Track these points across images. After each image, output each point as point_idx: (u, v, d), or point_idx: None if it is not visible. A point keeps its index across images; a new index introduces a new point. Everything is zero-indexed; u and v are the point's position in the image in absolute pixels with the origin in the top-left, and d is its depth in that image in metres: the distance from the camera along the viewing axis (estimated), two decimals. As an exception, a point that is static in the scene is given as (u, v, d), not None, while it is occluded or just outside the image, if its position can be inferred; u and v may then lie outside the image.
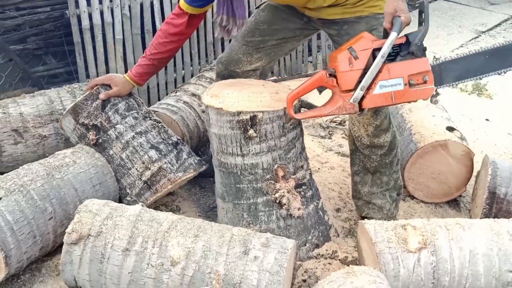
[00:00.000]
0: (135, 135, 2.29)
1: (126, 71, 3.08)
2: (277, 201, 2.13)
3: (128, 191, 2.26)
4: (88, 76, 2.99)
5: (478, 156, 2.79)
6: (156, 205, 2.46)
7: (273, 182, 2.12)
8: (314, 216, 2.25)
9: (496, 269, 1.90)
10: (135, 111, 2.37)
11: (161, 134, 2.36)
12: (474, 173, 2.64)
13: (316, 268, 2.14)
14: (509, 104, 3.83)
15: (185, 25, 2.25)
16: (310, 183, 2.26)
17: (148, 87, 3.26)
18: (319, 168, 2.85)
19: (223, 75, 2.45)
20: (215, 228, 1.85)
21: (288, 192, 2.15)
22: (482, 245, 1.93)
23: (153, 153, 2.28)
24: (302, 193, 2.20)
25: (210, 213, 2.50)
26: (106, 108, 2.29)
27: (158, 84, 3.31)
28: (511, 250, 1.92)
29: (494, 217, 2.30)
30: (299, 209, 2.17)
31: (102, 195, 2.18)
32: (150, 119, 2.39)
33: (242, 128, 2.03)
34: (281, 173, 2.14)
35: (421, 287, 1.91)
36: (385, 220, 2.22)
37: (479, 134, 3.43)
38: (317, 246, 2.24)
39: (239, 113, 2.01)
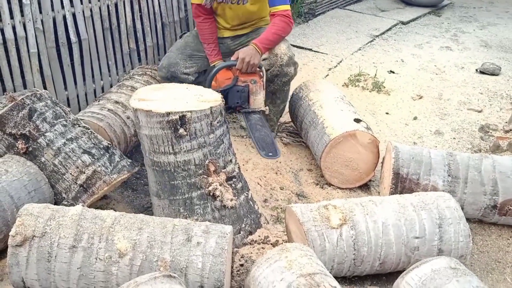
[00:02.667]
0: (66, 142, 2.33)
1: (44, 84, 3.10)
2: (211, 194, 2.28)
3: (64, 195, 2.30)
4: (4, 90, 2.93)
5: (382, 145, 3.14)
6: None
7: (205, 176, 2.27)
8: (246, 205, 2.43)
9: (404, 236, 2.19)
10: (63, 119, 2.42)
11: (92, 140, 2.42)
12: (380, 159, 2.97)
13: (251, 253, 2.31)
14: (404, 99, 4.28)
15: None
16: (239, 176, 2.44)
17: (68, 98, 3.26)
18: (243, 165, 3.04)
19: (167, 77, 3.18)
20: (157, 221, 1.97)
21: (220, 185, 2.31)
22: (392, 217, 2.22)
23: (86, 158, 2.34)
24: (233, 185, 2.37)
25: (145, 213, 2.58)
26: (34, 117, 2.31)
27: (78, 96, 3.32)
28: (415, 219, 2.22)
29: (400, 194, 2.62)
30: (231, 200, 2.34)
31: (38, 201, 2.21)
32: (79, 126, 2.45)
33: (173, 128, 2.16)
34: (212, 168, 2.30)
35: (344, 258, 2.16)
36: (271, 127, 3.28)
37: (381, 126, 3.81)
38: (250, 233, 2.42)
39: (168, 113, 2.13)
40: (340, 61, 5.06)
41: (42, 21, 3.01)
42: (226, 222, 2.32)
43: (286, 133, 3.46)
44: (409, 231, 2.20)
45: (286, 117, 3.66)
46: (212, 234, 1.93)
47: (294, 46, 5.37)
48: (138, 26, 3.57)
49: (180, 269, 1.83)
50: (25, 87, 2.98)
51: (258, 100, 2.96)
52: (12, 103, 2.29)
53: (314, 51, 5.28)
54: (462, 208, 2.62)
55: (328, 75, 4.72)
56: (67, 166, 2.30)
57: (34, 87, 3.00)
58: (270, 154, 2.76)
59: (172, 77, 3.16)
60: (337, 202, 2.28)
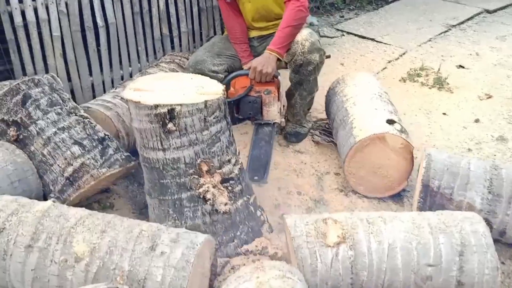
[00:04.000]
0: (57, 131, 2.24)
1: (67, 69, 3.05)
2: (201, 196, 2.09)
3: (51, 187, 2.21)
4: (25, 74, 2.92)
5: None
6: (88, 202, 2.42)
7: (196, 177, 2.08)
8: (244, 211, 2.20)
9: (414, 263, 1.85)
10: (59, 106, 2.32)
11: (86, 130, 2.31)
12: (416, 167, 2.60)
13: (244, 264, 2.09)
14: (468, 98, 3.79)
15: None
16: (239, 178, 2.22)
17: (92, 85, 3.20)
18: (262, 164, 2.81)
19: None
20: (125, 224, 1.81)
21: (213, 187, 2.11)
22: (402, 238, 1.88)
23: (76, 149, 2.23)
24: (230, 188, 2.16)
25: (145, 211, 2.45)
26: (27, 104, 2.24)
27: (103, 82, 3.25)
28: (430, 243, 1.87)
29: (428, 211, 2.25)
30: (225, 204, 2.12)
31: (22, 192, 2.13)
32: (76, 115, 2.34)
33: (161, 122, 1.98)
34: (205, 168, 2.09)
35: (340, 282, 1.87)
36: (296, 123, 3.05)
37: (434, 128, 3.39)
38: (246, 242, 2.20)
39: (156, 106, 1.96)
40: (403, 53, 4.62)
41: (66, 3, 2.95)
42: (218, 228, 2.12)
43: (320, 131, 3.17)
44: (421, 257, 1.86)
45: (324, 113, 3.36)
46: (180, 244, 1.73)
47: (355, 35, 5.00)
48: (172, 10, 3.42)
49: (138, 280, 1.66)
50: (47, 71, 2.95)
51: (272, 112, 2.77)
52: (7, 88, 2.23)
53: (377, 41, 4.87)
54: (504, 232, 2.23)
55: (386, 68, 4.32)
56: (55, 156, 2.21)
57: (57, 72, 2.96)
58: (256, 177, 2.56)
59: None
60: (340, 216, 1.99)
